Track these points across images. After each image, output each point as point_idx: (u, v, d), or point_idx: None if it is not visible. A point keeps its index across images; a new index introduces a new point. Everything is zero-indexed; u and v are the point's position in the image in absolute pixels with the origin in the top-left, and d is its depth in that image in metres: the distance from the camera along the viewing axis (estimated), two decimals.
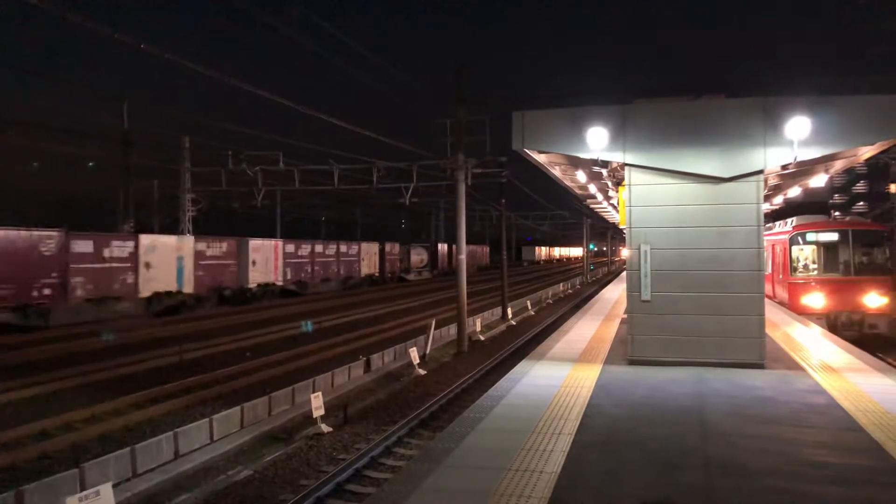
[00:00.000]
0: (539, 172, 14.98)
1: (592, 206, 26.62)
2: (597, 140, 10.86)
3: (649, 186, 11.28)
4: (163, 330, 23.79)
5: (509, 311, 30.11)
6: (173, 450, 10.39)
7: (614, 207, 21.95)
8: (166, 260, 29.41)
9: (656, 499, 5.55)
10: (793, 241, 20.10)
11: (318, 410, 12.10)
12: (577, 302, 36.38)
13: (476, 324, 24.86)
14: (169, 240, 30.45)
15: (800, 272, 20.03)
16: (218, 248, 33.31)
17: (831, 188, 59.33)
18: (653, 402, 8.75)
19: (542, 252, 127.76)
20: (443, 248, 64.02)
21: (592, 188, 17.87)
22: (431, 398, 14.39)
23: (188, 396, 13.97)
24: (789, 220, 21.73)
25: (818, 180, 15.11)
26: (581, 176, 15.12)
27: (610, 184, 16.25)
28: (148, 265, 28.22)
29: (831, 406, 8.47)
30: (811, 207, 28.08)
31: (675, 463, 6.38)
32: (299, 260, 40.00)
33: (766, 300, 19.45)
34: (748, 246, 10.86)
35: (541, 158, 12.90)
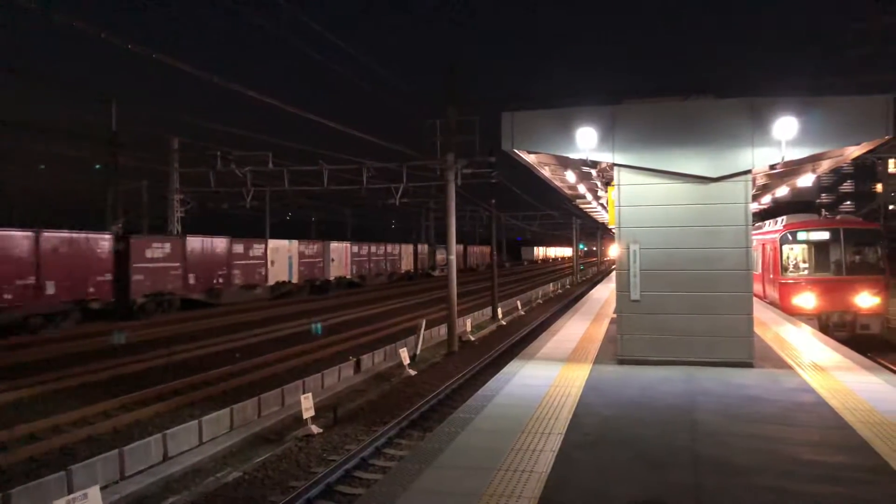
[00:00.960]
0: (529, 173, 15.00)
1: (582, 206, 26.69)
2: (586, 140, 10.89)
3: (638, 186, 11.31)
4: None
5: (500, 311, 30.15)
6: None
7: (604, 207, 22.01)
8: (282, 258, 38.35)
9: (646, 498, 5.57)
10: (783, 241, 19.83)
11: (307, 411, 12.07)
12: (567, 302, 36.47)
13: (466, 324, 24.87)
14: (283, 243, 38.78)
15: (790, 272, 19.80)
16: (311, 248, 41.60)
17: (819, 188, 59.79)
18: (642, 402, 8.78)
19: (540, 252, 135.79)
20: (459, 248, 67.85)
21: (582, 188, 17.92)
22: (422, 398, 14.38)
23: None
24: (779, 219, 21.46)
25: (806, 180, 15.19)
26: (570, 176, 15.15)
27: (599, 184, 16.30)
28: (273, 262, 37.30)
29: (819, 404, 8.53)
30: (799, 207, 28.22)
31: (665, 462, 6.40)
32: (360, 258, 48.40)
33: (757, 301, 19.54)
34: (737, 245, 10.91)
35: (530, 159, 12.93)
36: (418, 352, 19.92)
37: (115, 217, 32.04)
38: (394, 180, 29.83)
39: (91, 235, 26.31)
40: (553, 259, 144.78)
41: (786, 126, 10.14)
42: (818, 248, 19.46)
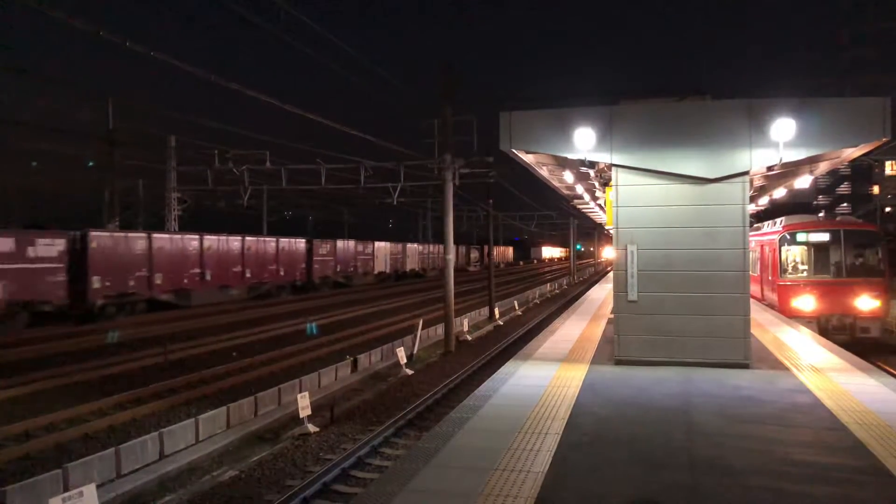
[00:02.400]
0: (526, 173, 15.00)
1: (579, 206, 26.70)
2: (584, 141, 10.89)
3: (636, 187, 11.33)
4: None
5: (497, 310, 30.15)
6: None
7: (601, 208, 22.02)
8: (382, 255, 54.40)
9: (642, 498, 5.58)
10: (782, 242, 19.61)
11: (304, 410, 12.06)
12: (564, 302, 36.49)
13: (463, 324, 24.87)
14: (383, 244, 55.12)
15: (789, 273, 19.57)
16: (397, 248, 58.19)
17: (816, 189, 59.92)
18: (639, 402, 8.79)
19: (544, 252, 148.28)
20: (486, 247, 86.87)
21: (580, 188, 17.92)
22: (418, 398, 14.38)
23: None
24: (778, 220, 21.26)
25: (803, 181, 15.19)
26: (568, 176, 15.15)
27: (597, 184, 16.30)
28: (376, 257, 53.06)
29: (815, 405, 8.54)
30: (796, 208, 28.23)
31: (661, 462, 6.41)
32: (423, 255, 64.85)
33: (755, 303, 19.49)
34: (734, 246, 10.93)
35: (528, 159, 12.93)
36: (415, 351, 19.92)
37: (112, 215, 32.00)
38: (391, 180, 29.83)
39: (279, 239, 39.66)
40: (553, 259, 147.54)
41: (783, 127, 10.15)
42: (818, 250, 19.24)
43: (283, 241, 40.00)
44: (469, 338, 24.00)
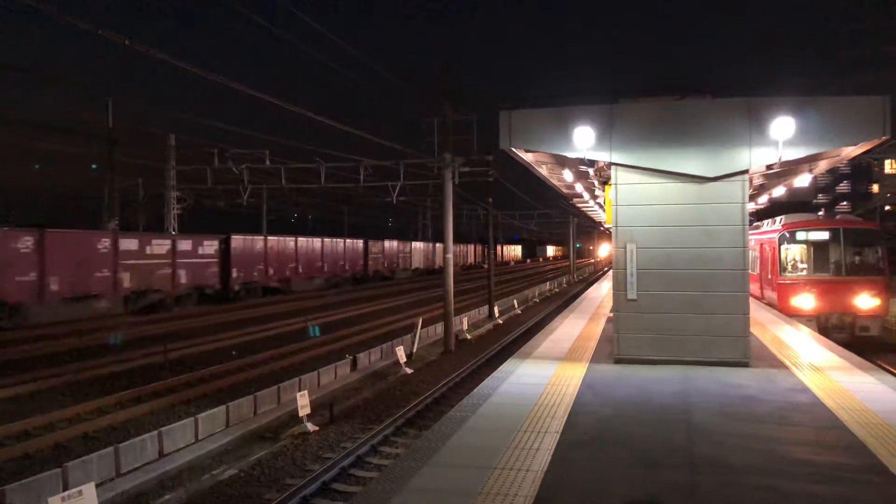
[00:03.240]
0: (526, 171, 15.00)
1: (579, 205, 26.71)
2: (583, 139, 10.89)
3: (636, 186, 11.33)
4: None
5: (496, 309, 30.15)
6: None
7: (601, 206, 22.01)
8: (417, 252, 64.58)
9: (641, 497, 5.58)
10: (782, 240, 19.55)
11: (303, 409, 12.06)
12: (564, 301, 36.49)
13: (463, 322, 24.87)
14: (418, 244, 66.45)
15: (789, 272, 19.52)
16: (428, 247, 68.02)
17: (815, 188, 59.94)
18: (639, 401, 8.79)
19: (550, 251, 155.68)
20: (499, 247, 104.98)
21: (579, 187, 17.92)
22: (417, 397, 14.38)
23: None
24: (778, 219, 21.20)
25: (802, 180, 15.20)
26: (568, 175, 15.15)
27: (596, 183, 16.30)
28: (413, 255, 62.68)
29: (815, 404, 8.55)
30: (795, 207, 28.22)
31: (661, 461, 6.41)
32: (463, 252, 77.70)
33: (755, 302, 19.47)
34: (733, 245, 10.93)
35: (528, 157, 12.93)
36: (415, 350, 19.92)
37: (112, 214, 31.99)
38: (391, 178, 29.81)
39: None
40: (556, 256, 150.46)
41: (783, 126, 10.16)
42: (817, 249, 19.20)
43: (349, 242, 49.58)
44: (469, 336, 24.00)
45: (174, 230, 34.56)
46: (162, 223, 35.35)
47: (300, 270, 41.48)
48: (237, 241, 35.17)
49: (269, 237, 38.79)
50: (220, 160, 30.28)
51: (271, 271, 38.24)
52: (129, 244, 28.16)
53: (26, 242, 23.63)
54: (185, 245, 31.38)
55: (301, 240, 41.79)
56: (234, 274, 34.81)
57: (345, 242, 48.40)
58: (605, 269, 67.13)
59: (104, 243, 26.89)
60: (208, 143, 30.87)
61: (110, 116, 30.77)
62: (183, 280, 31.17)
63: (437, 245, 66.70)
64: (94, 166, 32.41)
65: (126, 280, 27.69)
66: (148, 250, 29.23)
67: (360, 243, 50.87)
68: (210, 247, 33.52)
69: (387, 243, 56.63)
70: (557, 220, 68.61)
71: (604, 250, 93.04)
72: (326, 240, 45.53)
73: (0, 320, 22.44)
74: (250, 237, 37.05)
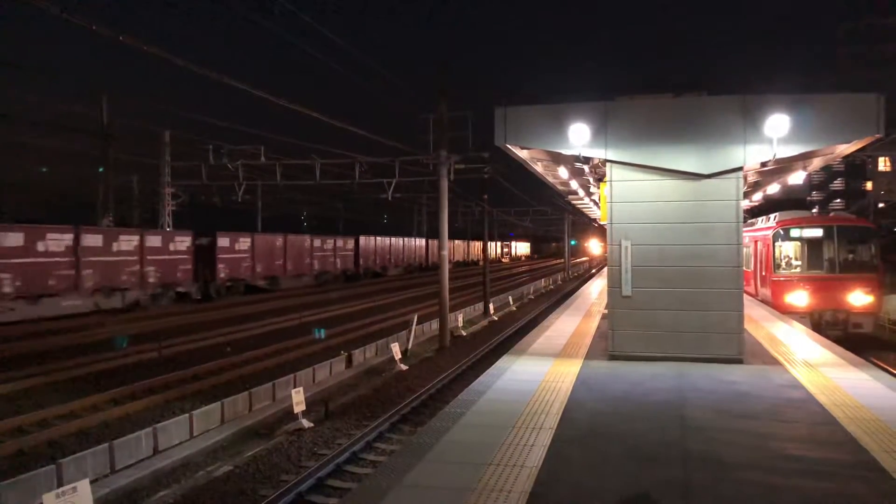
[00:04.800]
0: (522, 168, 15.01)
1: (574, 202, 26.72)
2: (579, 136, 10.90)
3: (630, 183, 11.34)
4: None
5: (491, 306, 30.17)
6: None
7: (596, 203, 22.03)
8: (457, 249, 75.03)
9: (635, 492, 5.60)
10: (776, 238, 19.63)
11: (298, 406, 12.06)
12: (559, 297, 36.53)
13: (458, 319, 24.89)
14: (459, 242, 76.32)
15: (783, 269, 19.60)
16: (462, 245, 79.83)
17: (810, 185, 60.11)
18: (633, 397, 8.81)
19: (551, 248, 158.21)
20: (516, 243, 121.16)
21: (574, 184, 17.93)
22: (413, 393, 14.40)
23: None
24: (772, 216, 21.26)
25: (797, 177, 15.23)
26: (563, 172, 15.17)
27: (591, 180, 16.31)
28: (453, 251, 68.87)
29: (808, 401, 8.58)
30: (790, 204, 28.30)
31: (655, 457, 6.43)
32: (478, 249, 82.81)
33: (749, 298, 19.52)
34: (727, 242, 10.96)
35: (523, 154, 12.93)
36: (410, 347, 19.93)
37: (106, 211, 31.88)
38: (387, 175, 29.77)
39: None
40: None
41: (777, 124, 10.18)
42: (811, 246, 19.27)
43: (408, 241, 63.06)
44: (464, 333, 24.02)
45: (169, 227, 34.48)
46: (156, 219, 35.26)
47: (394, 262, 56.99)
48: (257, 238, 38.30)
49: (339, 239, 47.20)
50: (215, 156, 30.18)
51: (316, 265, 44.40)
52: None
53: (421, 243, 45.78)
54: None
55: (396, 239, 57.58)
56: (258, 268, 38.03)
57: (404, 241, 60.10)
58: (594, 270, 66.38)
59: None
60: (203, 140, 30.79)
61: (104, 113, 30.65)
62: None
63: (457, 242, 78.09)
64: (101, 169, 32.14)
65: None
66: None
67: (422, 241, 66.17)
68: (246, 242, 36.29)
69: (434, 242, 66.27)
70: (553, 217, 68.58)
71: (595, 246, 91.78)
72: (408, 239, 63.97)
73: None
74: (298, 236, 42.79)
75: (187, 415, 11.26)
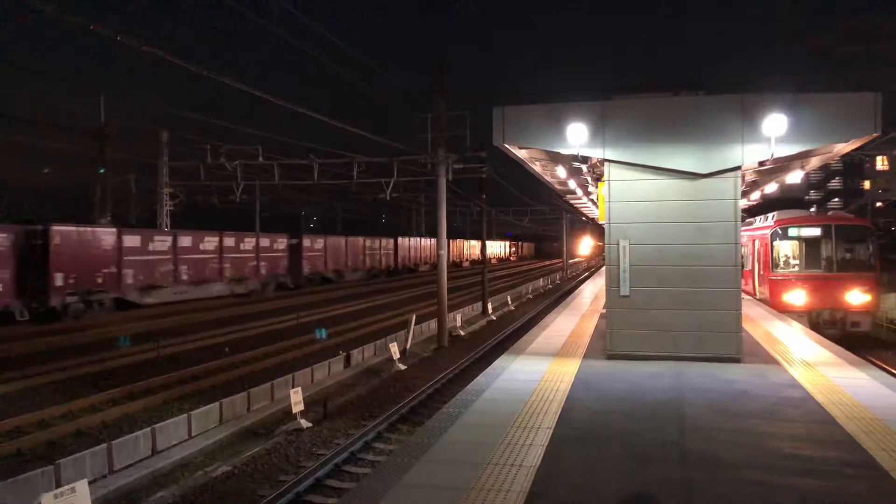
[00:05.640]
0: (520, 168, 15.01)
1: (572, 201, 26.73)
2: (577, 136, 10.89)
3: (628, 182, 11.34)
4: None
5: (489, 306, 30.17)
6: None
7: (594, 203, 22.04)
8: (467, 248, 77.44)
9: (634, 491, 5.60)
10: (774, 237, 19.60)
11: (297, 406, 12.06)
12: (557, 297, 36.54)
13: (456, 319, 24.89)
14: (496, 242, 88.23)
15: (781, 268, 19.59)
16: (499, 245, 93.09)
17: (807, 184, 60.17)
18: (631, 396, 8.82)
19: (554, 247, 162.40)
20: (528, 244, 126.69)
21: (572, 184, 17.94)
22: (411, 393, 14.40)
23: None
24: (770, 215, 21.24)
25: (794, 176, 15.24)
26: (561, 171, 15.17)
27: (589, 179, 16.33)
28: (468, 249, 77.67)
29: (806, 400, 8.59)
30: (788, 203, 28.29)
31: (653, 456, 6.44)
32: (511, 248, 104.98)
33: (747, 298, 19.50)
34: (725, 241, 10.96)
35: (521, 154, 12.93)
36: (408, 346, 19.93)
37: (104, 210, 31.83)
38: (385, 175, 29.74)
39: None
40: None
41: (775, 123, 10.18)
42: (809, 245, 19.25)
43: (435, 241, 62.87)
44: (462, 333, 24.01)
45: (167, 226, 34.45)
46: (154, 219, 35.21)
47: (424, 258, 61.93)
48: (329, 240, 46.34)
49: (369, 238, 52.66)
50: (213, 156, 30.12)
51: (359, 263, 50.82)
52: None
53: (460, 243, 53.49)
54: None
55: (426, 239, 62.48)
56: (330, 265, 45.63)
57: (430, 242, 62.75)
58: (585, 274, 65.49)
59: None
60: (201, 139, 30.73)
61: (102, 111, 30.60)
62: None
63: (473, 242, 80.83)
64: (101, 170, 32.05)
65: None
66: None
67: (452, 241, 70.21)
68: (320, 243, 44.03)
69: (462, 241, 75.67)
70: (550, 217, 68.56)
71: (586, 246, 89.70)
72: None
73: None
74: (346, 237, 49.64)
75: (186, 415, 11.24)
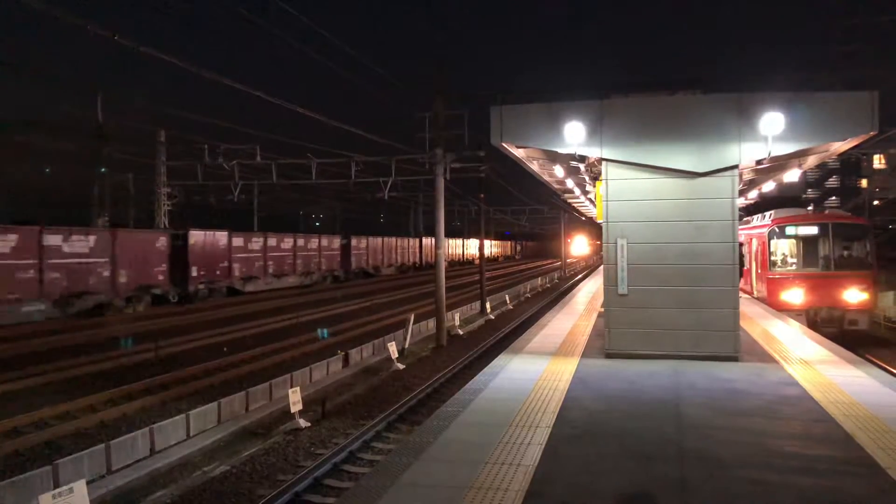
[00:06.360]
0: (518, 167, 15.02)
1: (570, 200, 26.75)
2: (574, 135, 10.90)
3: (626, 181, 11.35)
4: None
5: (488, 304, 30.18)
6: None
7: (592, 202, 22.06)
8: (502, 248, 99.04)
9: (632, 490, 5.61)
10: (771, 235, 19.64)
11: (295, 405, 12.05)
12: (555, 296, 36.56)
13: (455, 318, 24.90)
14: (505, 242, 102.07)
15: (779, 267, 19.63)
16: (499, 245, 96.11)
17: (805, 183, 60.22)
18: (629, 395, 8.83)
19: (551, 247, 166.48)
20: (523, 242, 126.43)
21: (570, 183, 17.95)
22: (409, 392, 14.40)
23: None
24: (767, 214, 21.30)
25: (792, 175, 15.25)
26: (559, 171, 15.18)
27: (587, 178, 16.33)
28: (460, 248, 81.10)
29: (803, 398, 8.61)
30: (785, 202, 28.33)
31: (651, 455, 6.45)
32: (521, 247, 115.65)
33: (745, 296, 19.52)
34: (723, 240, 10.97)
35: (519, 153, 12.94)
36: (407, 346, 19.93)
37: (102, 211, 31.80)
38: (383, 174, 29.75)
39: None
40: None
41: (772, 122, 10.19)
42: (806, 243, 19.30)
43: (453, 241, 73.83)
44: (461, 332, 24.02)
45: (165, 226, 34.42)
46: (152, 219, 35.17)
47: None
48: (358, 239, 51.33)
49: (400, 238, 60.22)
50: (211, 156, 30.11)
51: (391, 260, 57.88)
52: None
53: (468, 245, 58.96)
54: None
55: (452, 240, 67.75)
56: (354, 263, 50.21)
57: (409, 241, 65.14)
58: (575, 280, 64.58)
59: None
60: (199, 139, 30.71)
61: (100, 111, 30.56)
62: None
63: (464, 240, 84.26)
64: (102, 170, 32.04)
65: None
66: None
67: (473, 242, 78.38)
68: (346, 243, 48.49)
69: (477, 241, 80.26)
70: (549, 216, 68.60)
71: (580, 246, 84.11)
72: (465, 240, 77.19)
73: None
74: (374, 238, 54.63)
75: (184, 415, 11.23)
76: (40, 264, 23.56)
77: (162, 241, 29.91)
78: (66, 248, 24.74)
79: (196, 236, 31.97)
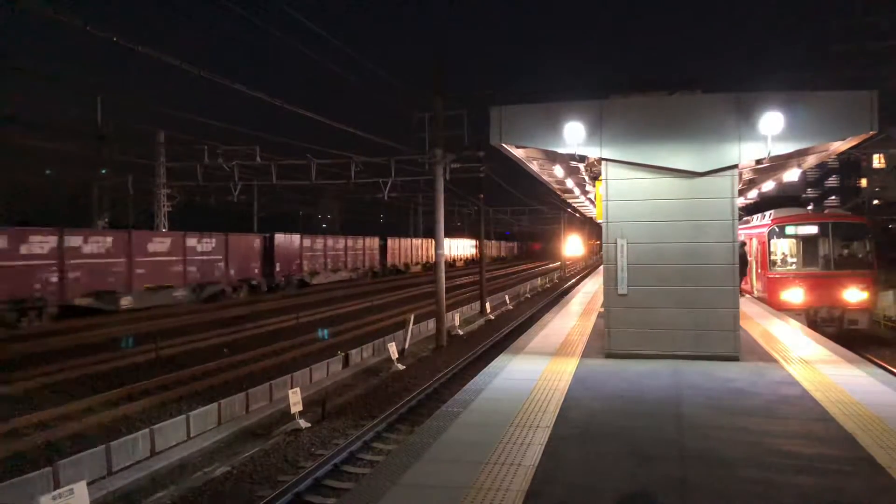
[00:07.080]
0: (518, 167, 15.02)
1: (570, 200, 26.75)
2: (574, 135, 10.90)
3: (626, 181, 11.35)
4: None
5: (488, 305, 30.17)
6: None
7: (591, 202, 22.06)
8: (496, 247, 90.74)
9: (632, 490, 5.61)
10: (771, 235, 19.63)
11: (295, 406, 12.05)
12: (555, 296, 36.56)
13: (455, 318, 24.89)
14: (495, 242, 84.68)
15: (778, 266, 19.62)
16: (495, 243, 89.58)
17: (805, 182, 60.24)
18: (629, 395, 8.83)
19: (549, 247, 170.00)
20: (533, 243, 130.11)
21: (570, 183, 17.95)
22: (410, 393, 14.40)
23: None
24: (767, 214, 21.28)
25: (791, 175, 15.25)
26: (559, 171, 15.18)
27: (587, 178, 16.34)
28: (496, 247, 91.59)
29: (804, 397, 8.61)
30: (785, 201, 28.30)
31: (652, 455, 6.45)
32: (505, 247, 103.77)
33: (746, 296, 19.51)
34: (723, 240, 10.97)
35: (518, 153, 12.94)
36: (407, 346, 19.93)
37: (101, 212, 31.81)
38: (382, 175, 29.74)
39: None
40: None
41: (772, 121, 10.19)
42: (806, 243, 19.28)
43: (467, 241, 79.50)
44: (461, 332, 24.02)
45: (165, 228, 34.43)
46: (152, 220, 35.17)
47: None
48: (392, 241, 58.13)
49: (422, 238, 66.60)
50: (211, 156, 30.10)
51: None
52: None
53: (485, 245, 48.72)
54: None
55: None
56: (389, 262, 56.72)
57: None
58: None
59: None
60: (198, 140, 30.69)
61: (99, 113, 30.55)
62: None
63: (494, 242, 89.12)
64: (103, 170, 32.12)
65: None
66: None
67: (493, 243, 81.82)
68: (376, 242, 54.51)
69: (494, 242, 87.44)
70: (548, 216, 68.61)
71: (574, 246, 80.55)
72: (488, 242, 71.50)
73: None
74: (405, 238, 62.70)
75: (184, 416, 11.23)
76: (184, 260, 30.67)
77: (257, 243, 37.22)
78: (199, 248, 31.86)
79: (279, 238, 38.93)
